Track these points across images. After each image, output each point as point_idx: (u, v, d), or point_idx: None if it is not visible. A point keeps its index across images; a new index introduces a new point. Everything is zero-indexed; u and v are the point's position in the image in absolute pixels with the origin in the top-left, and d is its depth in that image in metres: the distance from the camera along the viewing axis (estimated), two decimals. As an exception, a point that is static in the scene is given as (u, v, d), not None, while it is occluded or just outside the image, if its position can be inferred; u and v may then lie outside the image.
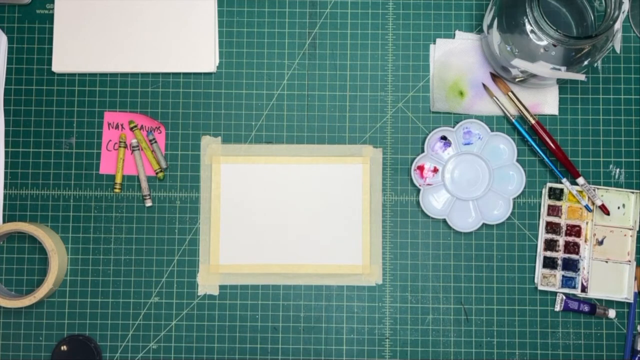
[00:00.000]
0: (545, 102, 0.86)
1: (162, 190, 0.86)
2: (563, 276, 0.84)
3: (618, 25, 0.73)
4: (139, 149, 0.85)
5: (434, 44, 0.87)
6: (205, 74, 0.86)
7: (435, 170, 0.85)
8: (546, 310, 0.84)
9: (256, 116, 0.86)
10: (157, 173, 0.85)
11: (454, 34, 0.87)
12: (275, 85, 0.87)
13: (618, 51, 0.77)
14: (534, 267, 0.85)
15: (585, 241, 0.84)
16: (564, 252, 0.84)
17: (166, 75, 0.86)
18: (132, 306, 0.84)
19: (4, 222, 0.85)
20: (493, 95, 0.85)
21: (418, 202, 0.85)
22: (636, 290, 0.84)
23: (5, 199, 0.85)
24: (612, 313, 0.84)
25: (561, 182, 0.84)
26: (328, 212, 0.85)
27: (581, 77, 0.77)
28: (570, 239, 0.84)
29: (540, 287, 0.84)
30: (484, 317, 0.84)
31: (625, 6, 0.73)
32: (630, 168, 0.85)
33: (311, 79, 0.87)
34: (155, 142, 0.85)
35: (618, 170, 0.85)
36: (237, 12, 0.87)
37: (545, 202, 0.85)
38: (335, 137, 0.86)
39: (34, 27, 0.87)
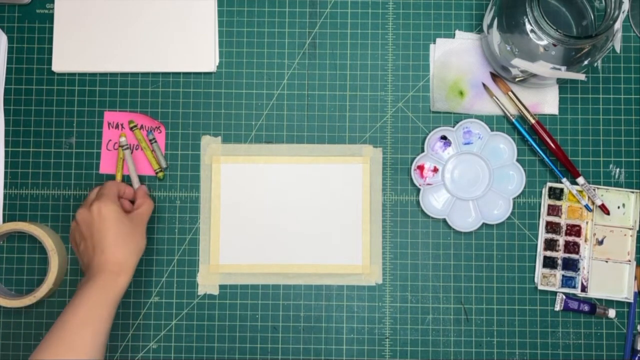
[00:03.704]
0: (545, 102, 0.86)
1: (162, 190, 0.86)
2: (563, 276, 0.84)
3: (618, 25, 0.73)
4: (128, 148, 0.85)
5: (434, 44, 0.87)
6: (205, 73, 0.86)
7: (435, 170, 0.85)
8: (546, 310, 0.84)
9: (256, 116, 0.86)
10: (157, 173, 0.85)
11: (454, 34, 0.87)
12: (275, 85, 0.87)
13: (618, 51, 0.77)
14: (534, 267, 0.85)
15: (585, 241, 0.84)
16: (564, 251, 0.84)
17: (166, 75, 0.86)
18: (132, 306, 0.84)
19: (4, 222, 0.85)
20: (493, 95, 0.85)
21: (418, 202, 0.85)
22: (636, 290, 0.84)
23: (5, 199, 0.85)
24: (612, 313, 0.84)
25: (561, 182, 0.84)
26: (328, 212, 0.85)
27: (581, 76, 0.77)
28: (570, 238, 0.84)
29: (540, 287, 0.84)
30: (484, 317, 0.84)
31: (625, 6, 0.73)
32: (630, 168, 0.85)
33: (311, 79, 0.87)
34: (155, 142, 0.85)
35: (618, 170, 0.85)
36: (237, 12, 0.87)
37: (545, 201, 0.85)
38: (335, 137, 0.86)
39: (34, 27, 0.87)
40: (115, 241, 0.75)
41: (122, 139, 0.84)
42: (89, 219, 0.76)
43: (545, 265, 0.84)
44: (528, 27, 0.75)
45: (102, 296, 0.73)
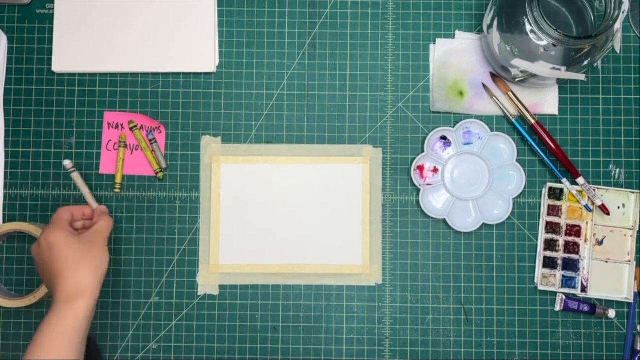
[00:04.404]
0: (545, 102, 0.86)
1: (162, 190, 0.86)
2: (563, 276, 0.84)
3: (618, 25, 0.73)
4: (75, 170, 0.82)
5: (434, 44, 0.87)
6: (205, 74, 0.86)
7: (435, 170, 0.85)
8: (546, 310, 0.84)
9: (256, 116, 0.86)
10: (157, 173, 0.85)
11: (454, 34, 0.87)
12: (275, 85, 0.87)
13: (618, 51, 0.77)
14: (534, 267, 0.85)
15: (585, 241, 0.84)
16: (564, 252, 0.84)
17: (166, 75, 0.86)
18: (132, 306, 0.84)
19: (4, 222, 0.85)
20: (493, 95, 0.85)
21: (418, 202, 0.85)
22: (636, 290, 0.84)
23: (5, 199, 0.85)
24: (612, 313, 0.84)
25: (561, 182, 0.84)
26: (328, 212, 0.85)
27: (581, 77, 0.77)
28: (570, 239, 0.84)
29: (540, 287, 0.84)
30: (484, 317, 0.84)
31: (625, 6, 0.73)
32: (630, 168, 0.85)
33: (311, 79, 0.87)
34: (155, 142, 0.85)
35: (618, 170, 0.85)
36: (237, 12, 0.87)
37: (545, 202, 0.85)
38: (335, 137, 0.86)
39: (34, 27, 0.87)
40: (68, 265, 0.71)
41: (66, 162, 0.81)
42: (40, 252, 0.74)
43: (545, 266, 0.84)
44: (528, 27, 0.75)
45: (59, 326, 0.69)
